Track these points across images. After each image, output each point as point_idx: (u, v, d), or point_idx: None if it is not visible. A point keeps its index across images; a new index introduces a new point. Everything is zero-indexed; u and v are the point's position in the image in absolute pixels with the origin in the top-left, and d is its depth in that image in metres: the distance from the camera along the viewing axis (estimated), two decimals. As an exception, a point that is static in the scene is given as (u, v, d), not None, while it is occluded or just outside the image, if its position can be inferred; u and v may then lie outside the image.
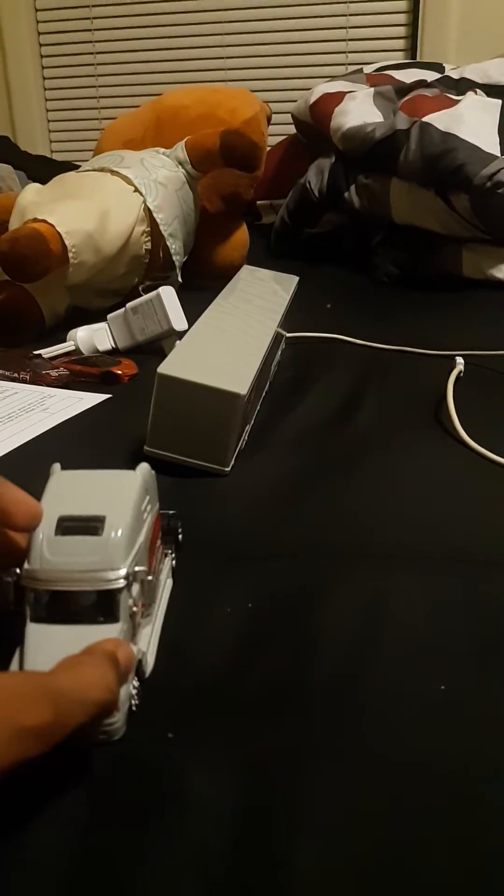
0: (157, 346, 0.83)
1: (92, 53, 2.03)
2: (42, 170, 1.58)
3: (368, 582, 0.45)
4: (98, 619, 0.35)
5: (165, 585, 0.44)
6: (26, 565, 0.35)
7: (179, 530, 0.46)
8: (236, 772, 0.33)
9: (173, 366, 0.56)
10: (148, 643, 0.38)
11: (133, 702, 0.35)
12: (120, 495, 0.37)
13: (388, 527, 0.51)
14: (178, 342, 0.61)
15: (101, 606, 0.35)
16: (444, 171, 1.10)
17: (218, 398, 0.54)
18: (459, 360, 0.76)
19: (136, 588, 0.36)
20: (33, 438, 0.64)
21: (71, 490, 0.38)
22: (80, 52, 2.03)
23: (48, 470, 0.40)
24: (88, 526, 0.35)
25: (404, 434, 0.65)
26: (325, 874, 0.28)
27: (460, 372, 0.74)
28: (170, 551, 0.45)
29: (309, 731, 0.35)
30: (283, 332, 0.80)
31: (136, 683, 0.35)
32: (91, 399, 0.72)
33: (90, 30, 2.00)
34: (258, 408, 0.68)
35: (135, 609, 0.36)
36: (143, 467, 0.40)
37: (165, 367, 0.55)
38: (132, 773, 0.33)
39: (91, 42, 2.02)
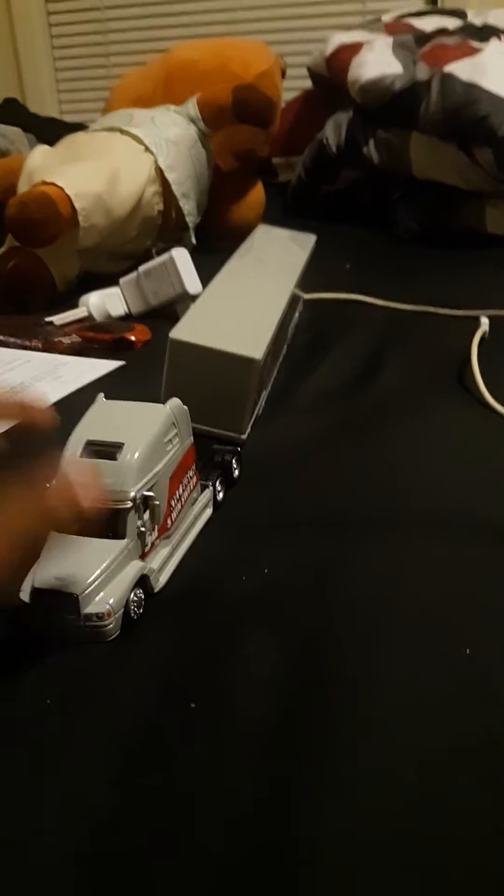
0: (171, 310, 0.81)
1: (100, 9, 1.97)
2: (52, 131, 1.54)
3: (390, 548, 0.44)
4: (107, 534, 0.39)
5: (201, 515, 0.47)
6: (53, 481, 0.38)
7: (235, 466, 0.51)
8: (252, 746, 0.32)
9: (186, 331, 0.54)
10: (161, 563, 0.42)
11: (134, 610, 0.38)
12: (144, 426, 0.41)
13: (410, 493, 0.50)
14: (191, 305, 0.60)
15: (111, 524, 0.39)
16: (467, 124, 1.06)
17: (233, 363, 0.53)
18: (484, 319, 0.74)
19: (146, 511, 0.40)
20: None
21: (104, 417, 0.43)
22: (88, 7, 1.98)
23: (65, 432, 0.42)
24: (108, 451, 0.40)
25: (427, 397, 0.63)
26: (350, 842, 0.27)
27: (485, 332, 0.72)
28: (210, 484, 0.48)
29: (328, 707, 0.34)
30: (301, 294, 0.78)
31: (140, 594, 0.39)
32: (104, 366, 0.70)
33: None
34: (275, 372, 0.66)
35: (143, 529, 0.40)
36: (174, 402, 0.44)
37: (178, 332, 0.54)
38: (156, 743, 0.32)
39: (99, -3, 1.96)
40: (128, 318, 0.83)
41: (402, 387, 0.66)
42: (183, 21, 1.92)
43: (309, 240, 0.82)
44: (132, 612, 0.39)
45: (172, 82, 1.13)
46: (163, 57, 1.21)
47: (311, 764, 0.31)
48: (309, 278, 0.81)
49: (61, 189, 0.82)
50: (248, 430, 0.56)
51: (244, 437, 0.55)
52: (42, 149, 0.96)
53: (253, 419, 0.57)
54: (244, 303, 0.61)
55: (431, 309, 0.83)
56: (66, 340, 0.74)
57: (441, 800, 0.29)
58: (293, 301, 0.69)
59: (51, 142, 1.03)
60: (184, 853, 0.28)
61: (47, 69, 2.06)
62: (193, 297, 0.78)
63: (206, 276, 0.72)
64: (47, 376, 0.68)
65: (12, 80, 2.06)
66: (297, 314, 0.77)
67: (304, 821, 0.28)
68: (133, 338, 0.75)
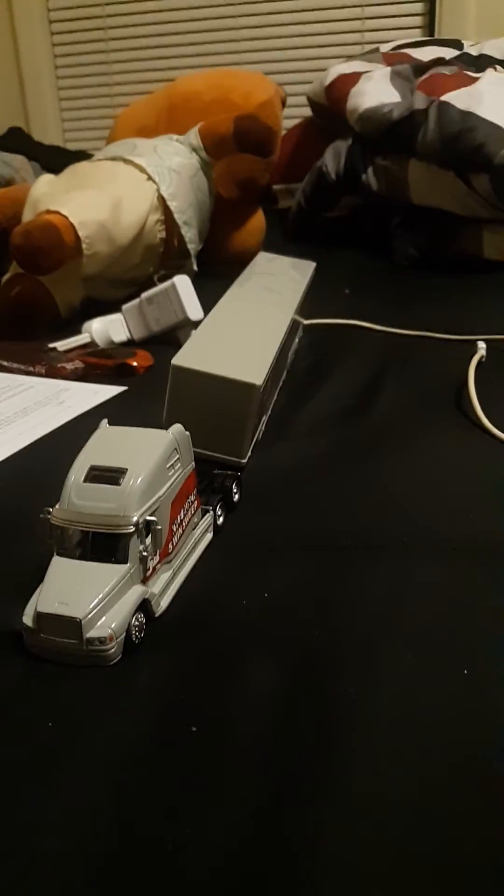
0: (173, 336, 0.82)
1: (104, 40, 2.01)
2: (55, 159, 1.57)
3: (389, 570, 0.45)
4: (110, 558, 0.40)
5: (202, 539, 0.48)
6: (57, 506, 0.41)
7: (235, 491, 0.52)
8: (252, 768, 0.32)
9: (187, 357, 0.55)
10: (163, 588, 0.42)
11: (135, 634, 0.39)
12: (147, 452, 0.42)
13: (409, 515, 0.51)
14: (193, 332, 0.61)
15: (113, 548, 0.40)
16: (464, 151, 1.08)
17: (233, 389, 0.53)
18: (481, 344, 0.75)
19: (148, 536, 0.40)
20: (49, 432, 0.63)
21: (108, 443, 0.43)
22: (92, 38, 2.01)
23: (68, 458, 0.43)
24: (111, 476, 0.41)
25: (425, 421, 0.64)
26: (347, 865, 0.28)
27: (482, 357, 0.73)
28: (211, 509, 0.49)
29: (328, 727, 0.34)
30: (301, 320, 0.79)
31: (141, 618, 0.40)
32: (107, 392, 0.71)
33: (102, 16, 1.99)
34: (275, 397, 0.67)
35: (145, 554, 0.40)
36: (177, 428, 0.44)
37: (179, 359, 0.54)
38: (157, 768, 0.32)
39: (103, 29, 2.00)
40: (130, 343, 0.84)
41: (400, 411, 0.67)
42: (185, 52, 1.95)
43: (308, 267, 0.83)
44: (133, 636, 0.39)
45: (175, 112, 1.15)
46: (166, 88, 1.23)
47: (310, 786, 0.31)
48: (309, 304, 0.82)
49: (65, 217, 0.83)
50: (249, 454, 0.57)
51: (244, 461, 0.56)
52: (46, 178, 0.98)
53: (253, 443, 0.58)
54: (245, 329, 0.62)
55: (429, 334, 0.84)
56: (69, 366, 0.75)
57: (440, 821, 0.30)
58: (293, 327, 0.70)
59: (54, 170, 1.04)
60: (184, 873, 0.28)
61: (51, 98, 2.09)
62: (195, 324, 0.80)
63: (207, 303, 0.73)
64: (50, 402, 0.69)
65: (17, 108, 2.10)
66: (297, 340, 0.78)
67: (303, 842, 0.29)
68: (135, 363, 0.76)
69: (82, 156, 1.61)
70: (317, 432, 0.63)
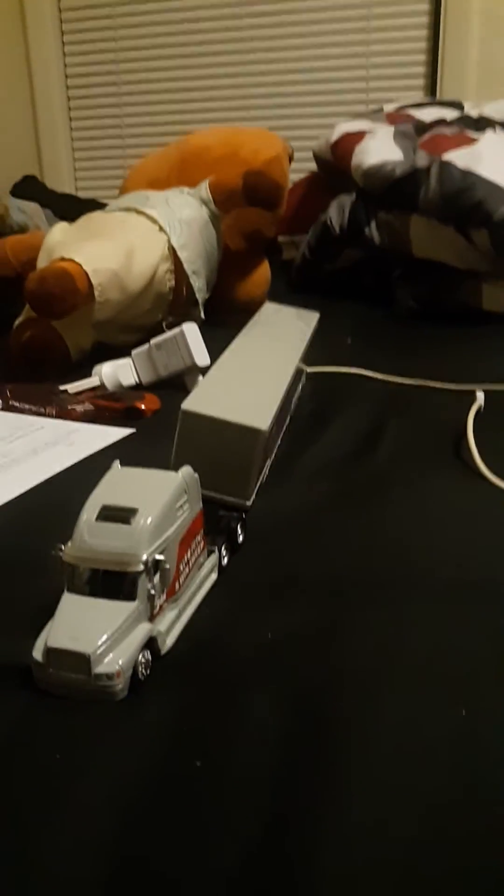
0: (180, 380, 0.84)
1: (117, 95, 2.08)
2: (68, 207, 1.62)
3: (389, 614, 0.46)
4: (119, 596, 0.41)
5: (207, 579, 0.49)
6: (69, 543, 0.42)
7: (240, 532, 0.53)
8: (256, 802, 0.33)
9: (197, 402, 0.57)
10: (169, 626, 0.43)
11: (141, 671, 0.40)
12: (157, 492, 0.43)
13: (409, 558, 0.52)
14: (201, 378, 0.63)
15: (123, 586, 0.41)
16: (464, 208, 1.12)
17: (240, 433, 0.55)
18: (480, 394, 0.77)
19: (156, 575, 0.42)
20: (59, 472, 0.65)
21: (119, 483, 0.45)
22: (106, 93, 2.09)
23: (77, 497, 0.44)
24: (123, 515, 0.42)
25: (425, 468, 0.66)
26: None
27: (480, 406, 0.75)
28: (216, 549, 0.50)
29: (329, 760, 0.35)
30: (305, 367, 0.81)
31: (148, 655, 0.41)
32: (115, 433, 0.73)
33: (116, 73, 2.06)
34: (279, 442, 0.69)
35: (152, 592, 0.41)
36: (186, 470, 0.46)
37: (189, 404, 0.56)
38: (161, 801, 0.33)
39: (117, 84, 2.07)
40: (138, 387, 0.86)
41: (400, 457, 0.68)
42: (195, 107, 2.02)
43: (313, 317, 0.86)
44: (140, 672, 0.40)
45: (186, 166, 1.19)
46: (177, 142, 1.27)
47: (311, 817, 0.32)
48: (312, 352, 0.84)
49: (79, 265, 0.86)
50: (254, 496, 0.58)
51: (249, 503, 0.58)
52: (61, 226, 1.01)
53: (258, 486, 0.60)
54: (251, 376, 0.64)
55: (429, 383, 0.86)
56: (79, 408, 0.77)
57: (438, 852, 0.30)
58: (297, 375, 0.72)
59: (66, 217, 1.08)
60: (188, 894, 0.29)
61: (65, 149, 2.16)
62: (202, 369, 0.82)
63: (213, 349, 0.76)
64: (61, 442, 0.71)
65: (32, 157, 2.16)
66: (300, 387, 0.80)
67: (304, 871, 0.30)
68: (143, 406, 0.78)
69: (93, 204, 1.65)
70: (319, 476, 0.65)
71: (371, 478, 0.64)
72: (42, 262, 0.93)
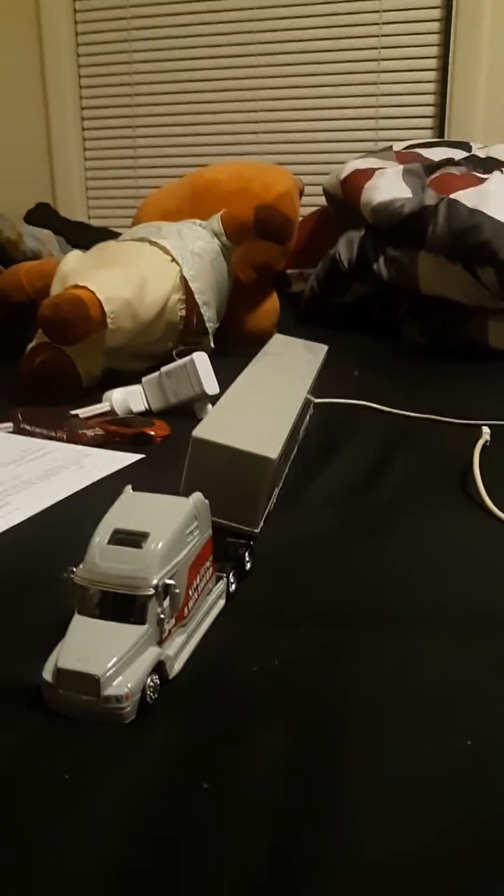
0: (189, 408, 0.86)
1: (131, 127, 2.12)
2: (80, 235, 1.64)
3: (395, 644, 0.46)
4: (129, 619, 0.41)
5: (215, 605, 0.49)
6: (81, 566, 0.42)
7: (248, 559, 0.54)
8: (262, 825, 0.33)
9: (207, 430, 0.58)
10: (177, 650, 0.44)
11: (149, 695, 0.40)
12: (168, 517, 0.44)
13: (415, 589, 0.52)
14: (210, 407, 0.64)
15: (133, 609, 0.41)
16: (471, 246, 1.13)
17: (249, 461, 0.56)
18: (486, 429, 0.78)
19: (166, 599, 0.42)
20: (69, 496, 0.66)
21: (131, 508, 0.45)
22: (120, 125, 2.13)
23: (87, 521, 0.45)
24: (134, 539, 0.42)
25: (430, 501, 0.66)
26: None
27: (486, 441, 0.76)
28: (224, 576, 0.50)
29: (334, 786, 0.35)
30: (312, 399, 0.82)
31: (156, 679, 0.41)
32: (125, 458, 0.74)
33: (130, 105, 2.10)
34: (287, 471, 0.70)
35: (162, 616, 0.42)
36: (197, 496, 0.46)
37: (200, 431, 0.57)
38: (168, 822, 0.33)
39: (131, 116, 2.11)
40: (148, 414, 0.87)
41: (406, 489, 0.69)
42: (207, 141, 2.06)
43: (321, 349, 0.87)
44: (148, 696, 0.40)
45: (198, 199, 1.21)
46: (190, 176, 1.30)
47: (317, 841, 0.32)
48: (320, 384, 0.85)
49: (93, 293, 0.88)
50: (262, 524, 0.59)
51: (258, 530, 0.58)
52: (75, 254, 1.03)
53: (265, 514, 0.60)
54: (261, 406, 0.65)
55: (436, 417, 0.87)
56: (89, 433, 0.78)
57: (442, 879, 0.31)
58: (306, 405, 0.73)
59: (79, 244, 1.10)
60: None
61: (78, 178, 2.19)
62: (211, 398, 0.83)
63: (223, 378, 0.77)
64: (71, 466, 0.72)
65: (45, 185, 2.20)
66: (308, 418, 0.81)
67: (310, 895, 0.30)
68: (153, 433, 0.79)
69: (105, 232, 1.68)
70: (327, 505, 0.65)
71: (378, 508, 0.65)
72: (56, 289, 0.95)
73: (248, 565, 0.54)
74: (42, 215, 1.92)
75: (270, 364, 0.77)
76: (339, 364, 1.05)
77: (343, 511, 0.65)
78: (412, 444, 0.80)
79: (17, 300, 1.05)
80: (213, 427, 0.58)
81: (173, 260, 0.99)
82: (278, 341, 0.84)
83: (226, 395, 0.66)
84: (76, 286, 0.89)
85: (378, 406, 0.90)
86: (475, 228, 1.14)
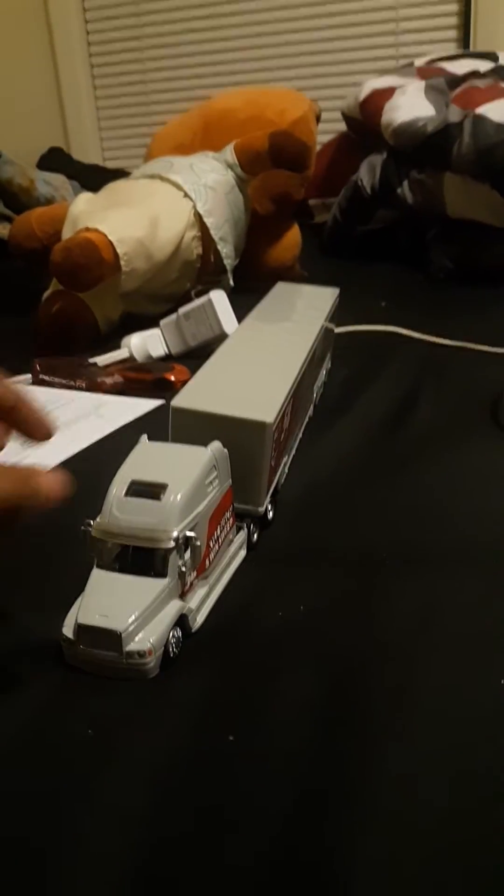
0: (210, 350, 0.83)
1: (141, 60, 2.04)
2: (95, 178, 1.60)
3: (424, 584, 0.45)
4: (149, 572, 0.40)
5: (236, 555, 0.48)
6: (98, 519, 0.41)
7: (270, 509, 0.51)
8: (290, 776, 0.32)
9: (189, 397, 0.49)
10: (199, 602, 0.43)
11: (172, 649, 0.39)
12: (186, 468, 0.42)
13: (446, 527, 0.51)
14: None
15: (153, 562, 0.40)
16: (499, 163, 1.08)
17: (242, 429, 0.47)
18: (519, 356, 0.74)
19: (187, 552, 0.40)
20: (89, 445, 0.64)
21: (148, 458, 0.43)
22: (129, 59, 2.05)
23: (109, 470, 0.43)
24: (152, 491, 0.41)
25: (462, 433, 0.64)
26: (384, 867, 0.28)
27: (520, 369, 0.73)
28: (246, 525, 0.49)
29: (364, 731, 0.34)
30: (334, 328, 0.77)
31: (178, 633, 0.40)
32: (145, 405, 0.72)
33: (139, 37, 2.02)
34: (300, 435, 0.63)
35: (183, 569, 0.40)
36: (215, 445, 0.44)
37: (180, 399, 0.48)
38: (195, 775, 0.33)
39: (140, 49, 2.04)
40: (168, 358, 0.85)
41: (437, 423, 0.66)
42: (220, 70, 1.98)
43: (331, 294, 0.77)
44: (171, 650, 0.39)
45: (210, 130, 1.17)
46: (201, 106, 1.25)
47: (347, 791, 0.31)
48: (344, 317, 0.82)
49: (104, 235, 0.85)
50: (268, 500, 0.51)
51: (262, 509, 0.50)
52: (85, 196, 1.00)
53: (273, 488, 0.53)
54: (256, 365, 0.56)
55: (468, 345, 0.84)
56: (108, 380, 0.76)
57: (472, 823, 0.30)
58: (317, 358, 0.66)
59: (94, 188, 1.07)
60: (221, 876, 0.28)
61: (90, 119, 2.13)
62: (231, 338, 0.80)
63: (243, 317, 0.74)
64: (90, 415, 0.70)
65: (57, 129, 2.14)
66: (325, 371, 0.74)
67: (338, 845, 0.29)
68: (172, 378, 0.77)
69: (121, 174, 1.63)
70: (353, 444, 0.63)
71: (407, 443, 0.63)
72: (67, 234, 0.92)
73: (271, 514, 0.52)
74: (55, 160, 1.87)
75: (269, 316, 0.69)
76: (365, 295, 1.01)
77: (371, 449, 0.62)
78: (442, 375, 0.77)
79: (30, 248, 1.02)
80: (196, 393, 0.50)
81: (186, 195, 0.95)
82: (280, 289, 0.77)
83: (214, 355, 0.57)
84: (87, 229, 0.86)
85: (407, 332, 0.87)
86: (503, 144, 1.08)
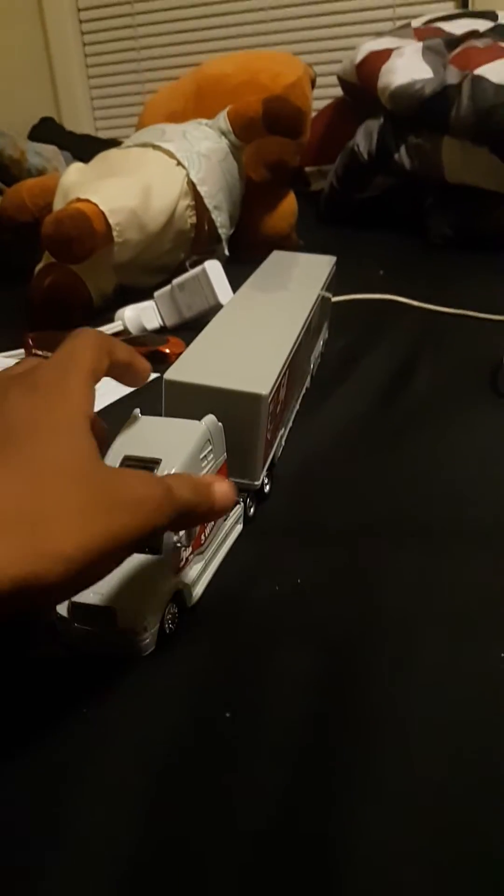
0: (205, 322, 0.82)
1: (132, 26, 2.00)
2: (87, 148, 1.56)
3: (423, 554, 0.44)
4: (143, 549, 0.39)
5: (233, 529, 0.47)
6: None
7: (266, 482, 0.50)
8: (288, 751, 0.32)
9: (182, 370, 0.48)
10: (195, 578, 0.42)
11: (168, 626, 0.39)
12: (180, 442, 0.41)
13: (443, 498, 0.50)
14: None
15: (147, 539, 0.37)
16: (499, 125, 1.05)
17: (237, 402, 0.46)
18: (519, 323, 0.73)
19: None
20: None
21: (141, 433, 0.42)
22: (121, 25, 2.01)
23: (105, 444, 0.42)
24: (146, 466, 0.39)
25: (461, 403, 0.63)
26: (382, 845, 0.27)
27: (520, 336, 0.71)
28: (242, 500, 0.48)
29: (366, 708, 0.34)
30: (331, 297, 0.76)
31: (174, 609, 0.39)
32: (139, 379, 0.71)
33: (130, 2, 1.98)
34: (297, 407, 0.62)
35: (178, 545, 0.39)
36: (210, 419, 0.43)
37: (173, 372, 0.48)
38: (192, 753, 0.32)
39: (131, 15, 1.99)
40: (162, 330, 0.84)
41: (436, 392, 0.66)
42: (213, 35, 1.94)
43: (328, 262, 0.75)
44: (167, 627, 0.39)
45: (203, 96, 1.14)
46: (193, 71, 1.22)
47: (346, 766, 0.31)
48: (342, 286, 0.81)
49: (96, 205, 0.83)
50: (264, 474, 0.50)
51: (258, 483, 0.50)
52: (76, 166, 0.98)
53: (269, 462, 0.52)
54: (250, 336, 0.55)
55: (467, 312, 0.82)
56: (102, 354, 0.75)
57: (470, 798, 0.29)
58: (314, 327, 0.65)
59: (87, 159, 1.04)
60: (220, 852, 0.28)
61: (82, 88, 2.09)
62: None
63: (239, 288, 0.72)
64: (84, 390, 0.69)
65: (48, 99, 2.10)
66: (322, 341, 0.73)
67: (339, 823, 0.29)
68: (168, 350, 0.76)
69: (114, 144, 1.60)
70: (352, 415, 0.62)
71: (405, 414, 0.62)
72: (58, 205, 0.91)
73: (268, 487, 0.51)
74: (47, 131, 1.84)
75: (264, 286, 0.67)
76: (363, 264, 1.00)
77: (369, 420, 0.62)
78: (441, 343, 0.76)
79: (22, 221, 1.01)
80: (189, 365, 0.49)
81: (179, 164, 0.93)
82: (276, 258, 0.75)
83: (208, 326, 0.56)
84: (78, 200, 0.84)
85: (405, 300, 0.86)
86: (502, 106, 1.05)
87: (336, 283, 0.76)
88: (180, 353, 0.76)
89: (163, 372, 0.48)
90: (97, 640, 0.38)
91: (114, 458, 0.41)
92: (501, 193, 1.11)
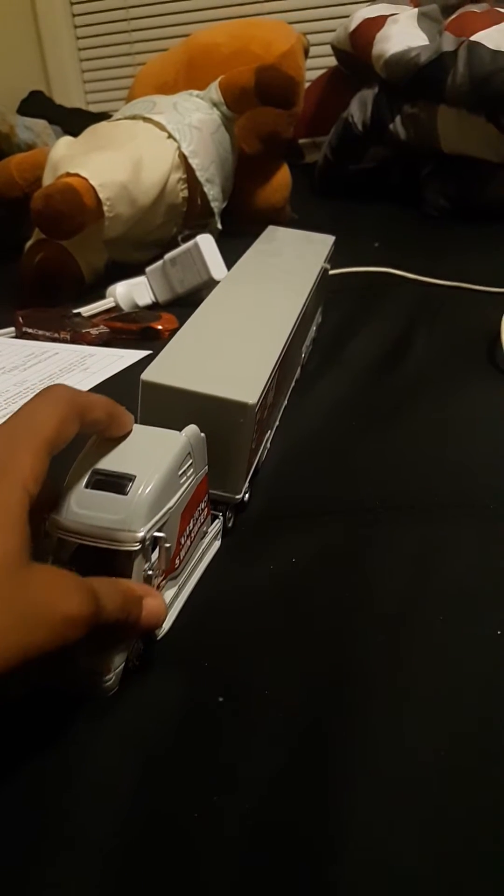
0: (198, 297, 0.81)
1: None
2: (78, 122, 1.54)
3: (421, 531, 0.44)
4: (111, 576, 0.33)
5: (210, 547, 0.43)
6: (54, 513, 0.34)
7: (248, 492, 0.46)
8: (283, 734, 0.31)
9: (161, 370, 0.43)
10: (167, 606, 0.38)
11: (133, 662, 0.35)
12: (157, 457, 0.36)
13: (441, 473, 0.49)
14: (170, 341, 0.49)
15: (115, 565, 0.34)
16: (495, 93, 1.03)
17: (221, 410, 0.41)
18: (516, 295, 0.72)
19: (154, 553, 0.35)
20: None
21: (115, 442, 0.37)
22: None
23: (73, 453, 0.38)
24: (117, 483, 0.34)
25: (457, 375, 0.62)
26: (377, 828, 0.27)
27: (517, 308, 0.70)
28: (221, 514, 0.44)
29: (363, 688, 0.34)
30: (328, 268, 0.72)
31: (139, 645, 0.36)
32: (131, 356, 0.70)
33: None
34: (285, 402, 0.58)
35: (150, 573, 0.35)
36: (191, 429, 0.38)
37: (151, 373, 0.42)
38: (187, 742, 0.32)
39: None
40: (155, 307, 0.83)
41: (432, 365, 0.65)
42: (205, 4, 1.90)
43: (326, 242, 0.70)
44: (131, 663, 0.36)
45: (194, 67, 1.12)
46: (184, 42, 1.20)
47: (343, 748, 0.31)
48: (337, 259, 0.79)
49: (85, 180, 0.81)
50: (246, 485, 0.46)
51: (240, 496, 0.45)
52: (66, 140, 0.96)
53: (252, 471, 0.48)
54: (239, 330, 0.49)
55: (463, 284, 0.81)
56: (93, 331, 0.74)
57: (471, 777, 0.29)
58: (307, 317, 0.60)
59: (77, 133, 1.02)
60: (212, 837, 0.28)
61: (72, 60, 2.06)
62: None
63: (232, 262, 0.71)
64: (76, 368, 0.68)
65: (38, 72, 2.07)
66: (315, 325, 0.69)
67: (336, 807, 0.28)
68: (160, 327, 0.75)
69: (104, 117, 1.58)
70: (346, 389, 0.62)
71: (400, 388, 0.61)
72: (48, 179, 0.89)
73: (247, 497, 0.46)
74: (36, 104, 1.81)
75: (257, 270, 0.62)
76: (359, 236, 0.98)
77: (365, 393, 0.61)
78: (438, 316, 0.75)
79: (11, 196, 0.99)
80: (170, 365, 0.44)
81: (170, 136, 0.92)
82: (271, 235, 0.70)
83: (192, 318, 0.50)
84: (68, 174, 0.83)
85: (401, 273, 0.84)
86: (499, 72, 1.03)
87: (331, 255, 0.74)
88: (173, 330, 0.75)
89: (156, 348, 0.46)
90: (59, 680, 0.35)
91: (81, 470, 0.35)
92: (498, 163, 1.10)
